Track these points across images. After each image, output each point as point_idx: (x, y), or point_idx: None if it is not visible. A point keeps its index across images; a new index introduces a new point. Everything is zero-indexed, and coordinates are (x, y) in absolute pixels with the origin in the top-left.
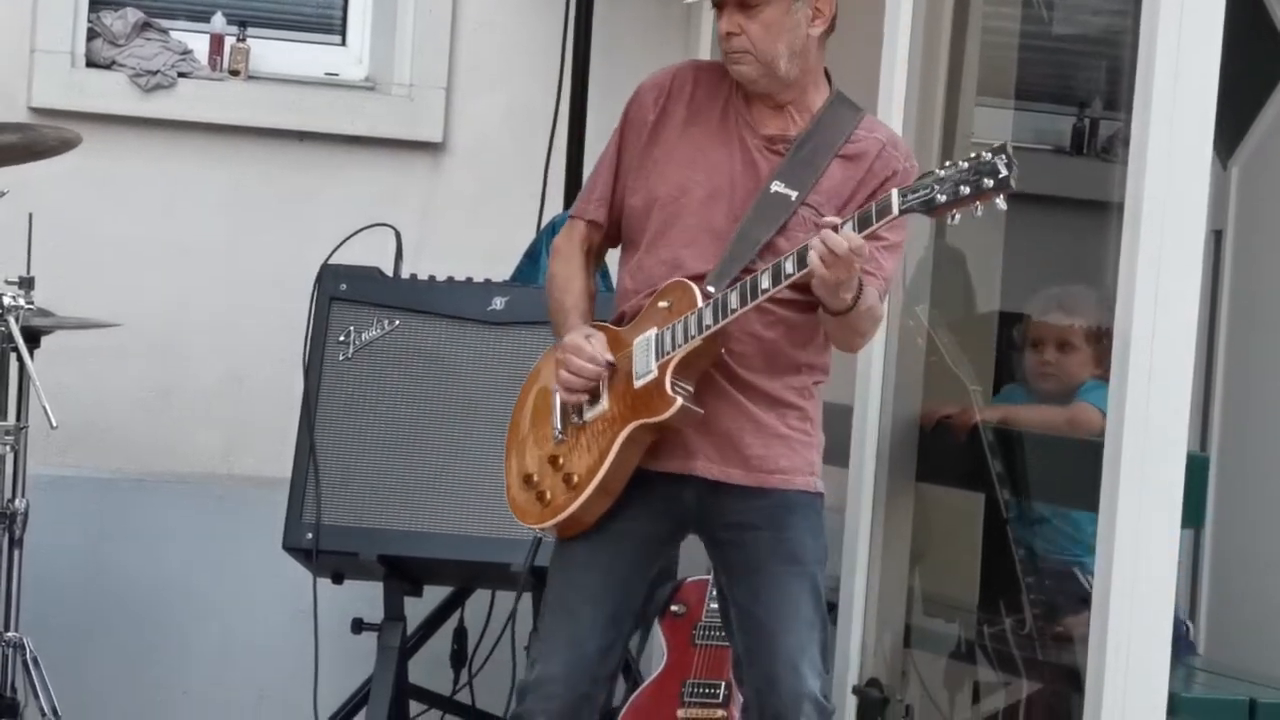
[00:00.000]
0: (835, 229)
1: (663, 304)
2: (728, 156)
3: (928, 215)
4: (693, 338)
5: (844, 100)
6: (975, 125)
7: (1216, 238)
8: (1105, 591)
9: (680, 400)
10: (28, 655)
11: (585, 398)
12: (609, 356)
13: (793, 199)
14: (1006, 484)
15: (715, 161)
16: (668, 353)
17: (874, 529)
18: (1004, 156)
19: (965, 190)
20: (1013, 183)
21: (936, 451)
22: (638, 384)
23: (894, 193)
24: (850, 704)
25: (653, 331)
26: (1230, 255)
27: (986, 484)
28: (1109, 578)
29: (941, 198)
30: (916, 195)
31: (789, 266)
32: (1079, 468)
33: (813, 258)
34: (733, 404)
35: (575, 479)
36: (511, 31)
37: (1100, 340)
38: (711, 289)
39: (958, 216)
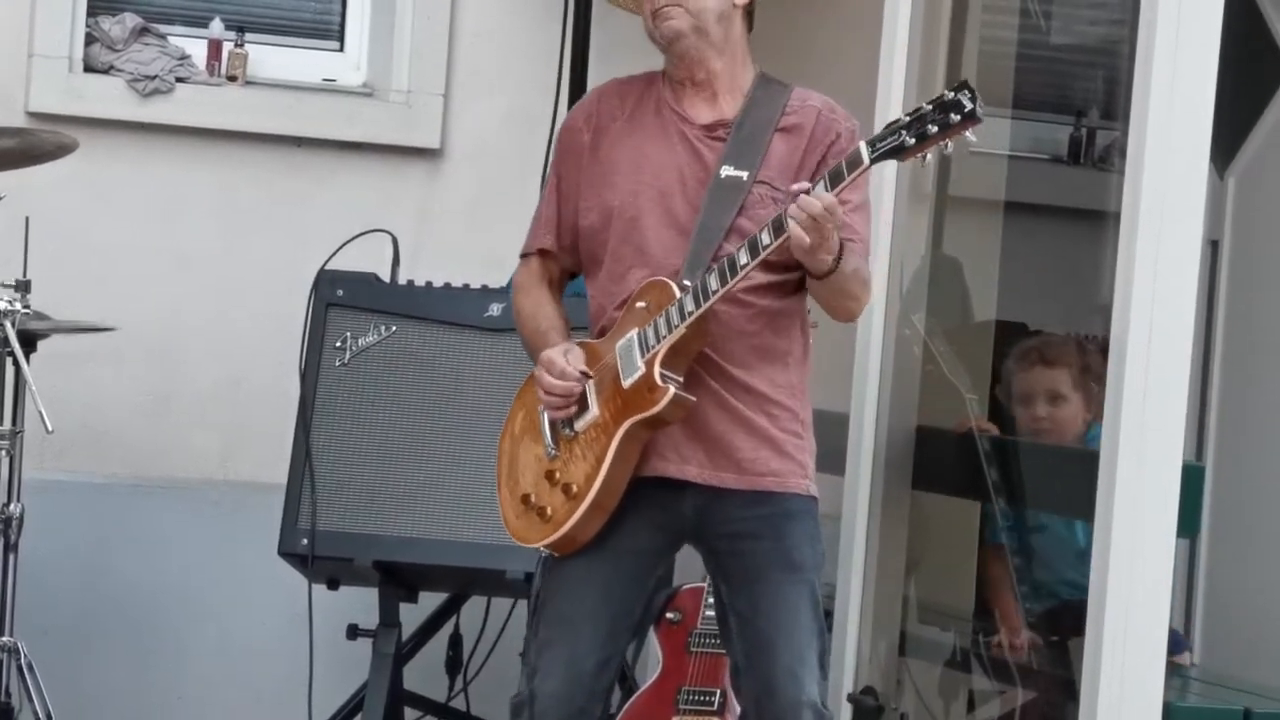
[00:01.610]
0: (807, 192)
1: (640, 304)
2: (670, 153)
3: (899, 160)
4: (676, 327)
5: (770, 78)
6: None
7: (1213, 248)
8: (1100, 600)
9: (672, 389)
10: (22, 660)
11: (571, 411)
12: (583, 368)
13: (744, 179)
14: (1002, 492)
15: (660, 160)
16: (653, 346)
17: (870, 537)
18: (967, 91)
19: (933, 129)
20: (979, 114)
21: (932, 459)
22: (626, 384)
23: (862, 145)
24: (845, 712)
25: (634, 331)
26: (1227, 265)
27: (982, 492)
28: (1104, 586)
29: (910, 140)
30: (885, 143)
31: (765, 237)
32: (1074, 477)
33: (790, 223)
34: (723, 406)
35: (574, 488)
36: (509, 38)
37: (1088, 385)
38: (687, 282)
39: (929, 157)
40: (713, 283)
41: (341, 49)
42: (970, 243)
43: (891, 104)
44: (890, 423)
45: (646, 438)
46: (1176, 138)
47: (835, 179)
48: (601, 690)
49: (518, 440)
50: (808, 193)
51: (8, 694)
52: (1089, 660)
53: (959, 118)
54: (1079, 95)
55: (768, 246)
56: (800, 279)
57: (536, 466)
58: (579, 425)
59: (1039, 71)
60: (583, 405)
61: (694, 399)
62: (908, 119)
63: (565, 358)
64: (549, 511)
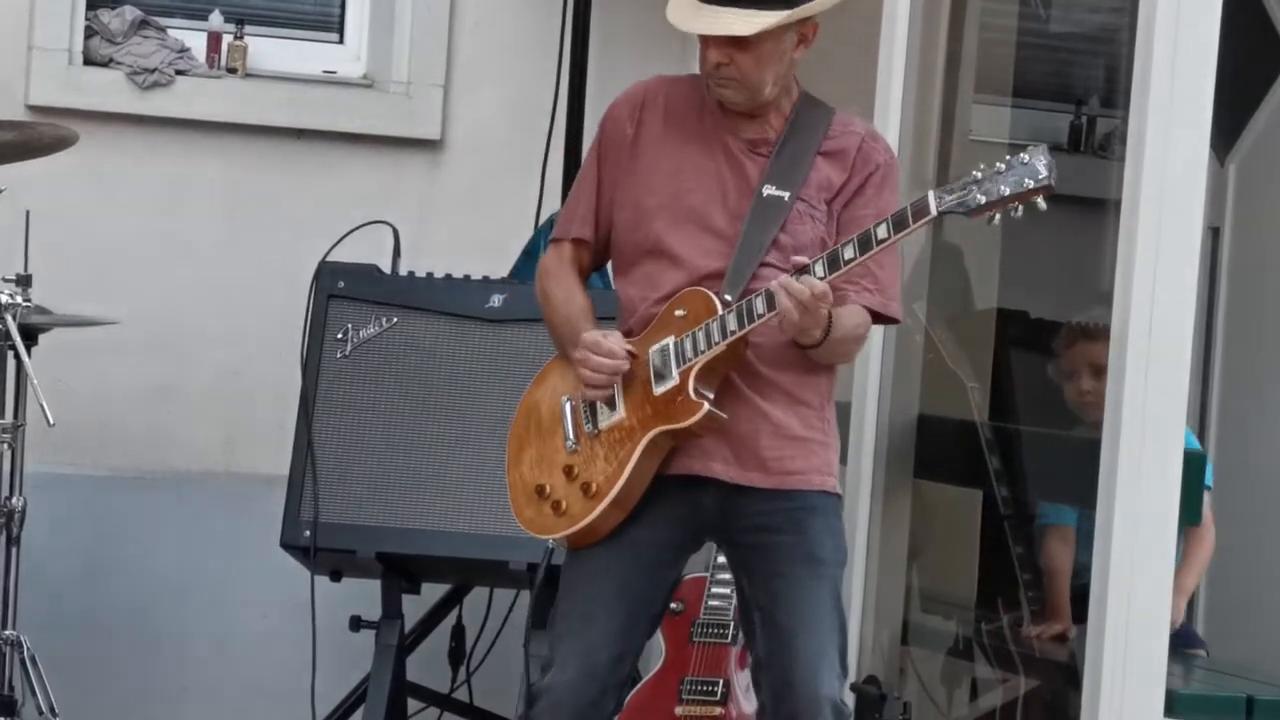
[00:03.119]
0: (804, 269)
1: (679, 312)
2: (713, 160)
3: (966, 216)
4: (716, 344)
5: (812, 99)
6: (973, 122)
7: (1214, 234)
8: (1103, 588)
9: (706, 406)
10: (25, 653)
11: (610, 392)
12: (629, 347)
13: (786, 199)
14: (1004, 480)
15: (702, 166)
16: (689, 359)
17: (872, 526)
18: (1043, 157)
19: (1005, 191)
20: (1053, 183)
21: (934, 448)
22: (658, 391)
23: (930, 194)
24: (849, 701)
25: (670, 339)
26: (1228, 252)
27: (984, 481)
28: (1106, 575)
29: (980, 198)
30: (954, 196)
31: (819, 269)
32: (1076, 464)
33: (779, 297)
34: (750, 406)
35: (594, 488)
36: (509, 28)
37: None
38: (728, 296)
39: (997, 218)
40: (759, 306)
41: (341, 41)
42: (970, 231)
43: (891, 95)
44: (892, 412)
45: (670, 446)
46: (1177, 125)
47: (899, 224)
48: (616, 684)
49: (533, 427)
50: (806, 268)
51: (11, 687)
52: (1092, 649)
53: (1032, 183)
54: (1079, 83)
55: (823, 279)
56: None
57: (554, 458)
58: (603, 425)
59: (1039, 60)
60: (609, 403)
61: (725, 416)
62: (979, 175)
63: (607, 338)
64: (564, 506)
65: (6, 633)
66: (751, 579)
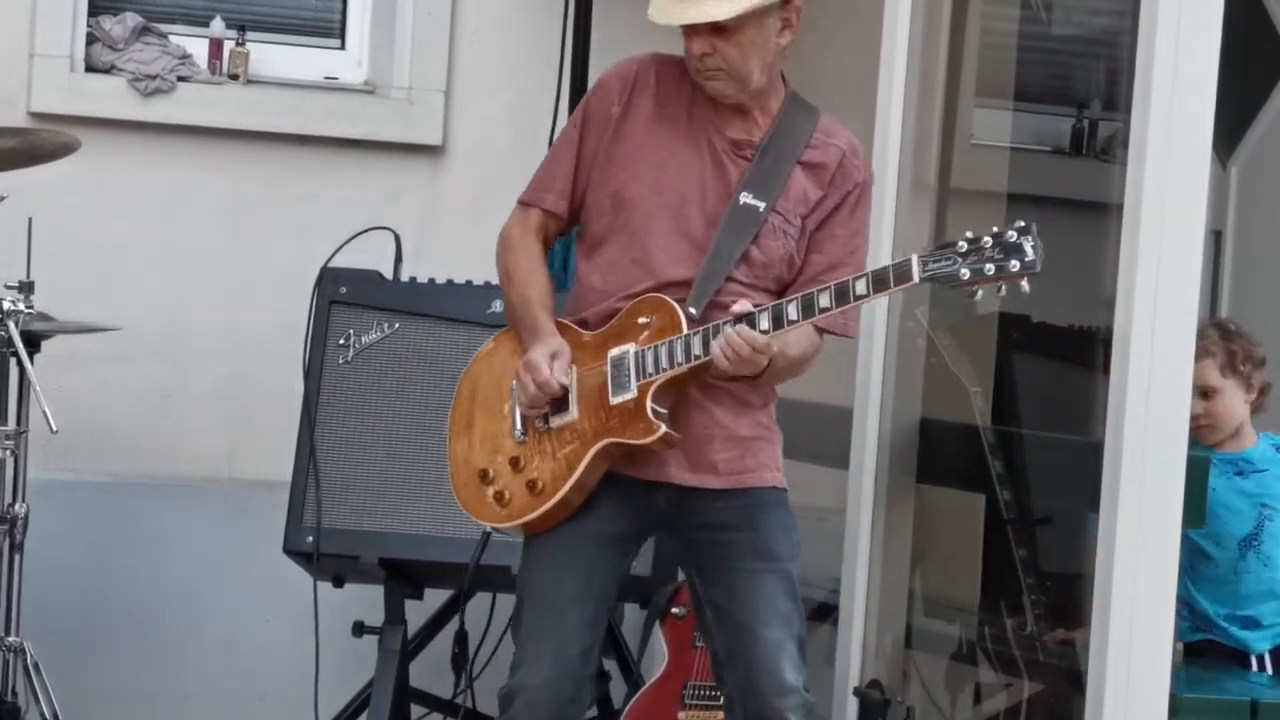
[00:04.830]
0: (745, 318)
1: (642, 320)
2: (698, 159)
3: (948, 287)
4: (680, 365)
5: (799, 101)
6: (974, 126)
7: (1216, 238)
8: (1106, 592)
9: (663, 428)
10: (29, 660)
11: (544, 411)
12: (565, 381)
13: (761, 210)
14: (1007, 484)
15: (686, 164)
16: (650, 374)
17: (874, 531)
18: (1030, 238)
19: (989, 269)
20: (1039, 267)
21: (937, 452)
22: (614, 401)
23: (914, 260)
24: (851, 705)
25: (630, 348)
26: (1230, 255)
27: (987, 485)
28: (1110, 578)
29: (965, 273)
30: (939, 265)
31: (792, 313)
32: (1079, 468)
33: (714, 348)
34: (703, 412)
35: (540, 485)
36: (510, 34)
37: (1236, 368)
38: (693, 310)
39: (980, 292)
40: (728, 332)
41: (343, 47)
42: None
43: (892, 99)
44: (894, 416)
45: (621, 454)
46: (1178, 128)
47: (879, 284)
48: (588, 677)
49: (480, 401)
50: (749, 317)
51: (14, 694)
52: (1096, 652)
53: (1018, 265)
54: (1080, 87)
55: (794, 322)
56: (780, 290)
57: (500, 443)
58: (554, 422)
59: (1040, 63)
60: (560, 403)
61: (680, 436)
62: (965, 247)
63: (552, 364)
64: (507, 498)
65: (9, 639)
66: (705, 576)
